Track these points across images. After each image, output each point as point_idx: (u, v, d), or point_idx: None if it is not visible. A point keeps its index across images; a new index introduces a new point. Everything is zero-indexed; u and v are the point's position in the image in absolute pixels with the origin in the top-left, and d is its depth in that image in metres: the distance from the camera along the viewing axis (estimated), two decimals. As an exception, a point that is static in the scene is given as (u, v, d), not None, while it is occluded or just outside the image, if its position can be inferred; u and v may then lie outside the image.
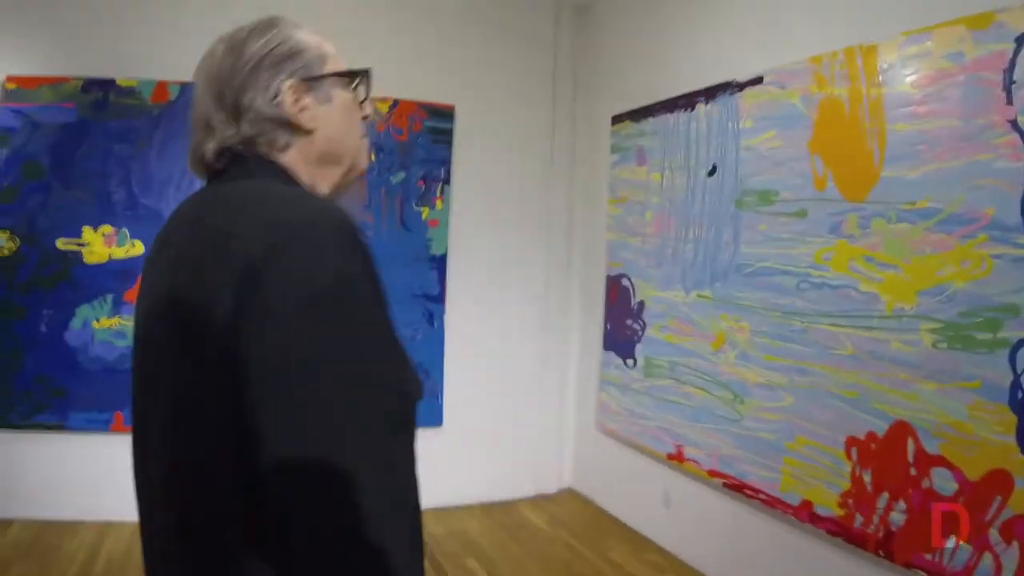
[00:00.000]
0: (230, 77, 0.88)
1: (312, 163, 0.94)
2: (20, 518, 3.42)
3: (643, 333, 3.67)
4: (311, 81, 0.92)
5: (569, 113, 4.33)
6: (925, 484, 2.22)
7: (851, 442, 2.48)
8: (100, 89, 3.44)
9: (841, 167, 2.55)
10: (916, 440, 2.25)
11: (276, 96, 0.88)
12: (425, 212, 3.90)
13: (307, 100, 0.91)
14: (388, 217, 3.84)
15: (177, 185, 3.52)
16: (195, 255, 0.79)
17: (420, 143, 3.87)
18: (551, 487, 4.33)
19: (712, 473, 3.13)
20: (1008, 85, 2.02)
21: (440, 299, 3.97)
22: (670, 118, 3.48)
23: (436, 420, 3.99)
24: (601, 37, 4.20)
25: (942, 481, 2.17)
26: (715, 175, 3.15)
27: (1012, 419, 1.99)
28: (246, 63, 0.88)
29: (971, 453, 2.10)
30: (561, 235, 4.29)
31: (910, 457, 2.27)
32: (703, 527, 3.26)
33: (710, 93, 3.19)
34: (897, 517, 2.30)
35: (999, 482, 2.01)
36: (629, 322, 3.79)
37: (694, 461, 3.26)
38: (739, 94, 3.01)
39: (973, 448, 2.09)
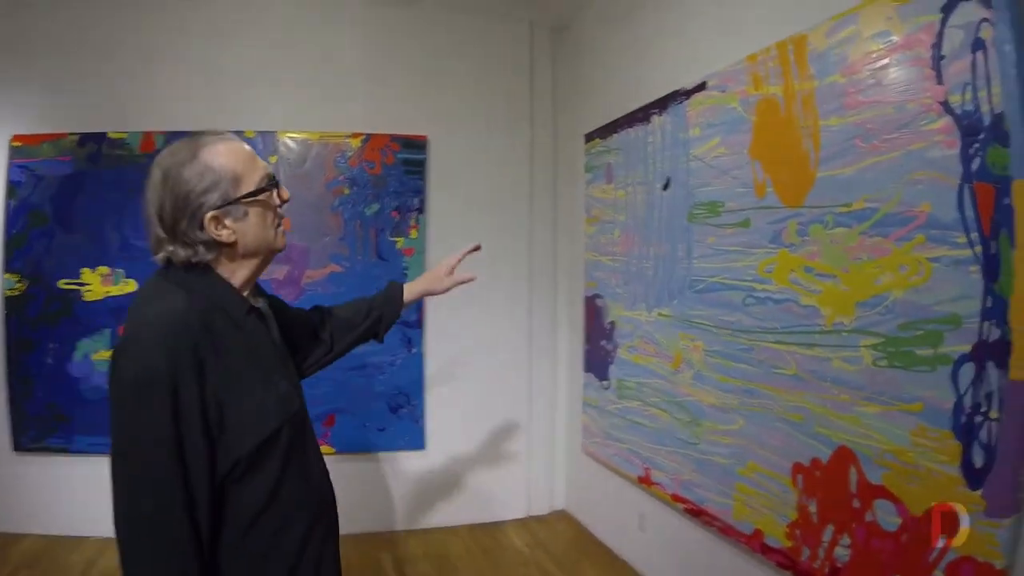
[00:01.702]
0: (164, 206, 1.09)
1: (235, 261, 1.16)
2: (33, 533, 3.40)
3: (615, 354, 3.27)
4: (228, 206, 1.11)
5: (549, 134, 3.97)
6: (868, 517, 1.76)
7: (797, 469, 2.04)
8: (94, 142, 3.44)
9: (779, 171, 2.13)
10: (859, 468, 1.81)
11: (201, 226, 1.09)
12: (400, 242, 3.64)
13: (226, 222, 1.11)
14: (363, 248, 3.60)
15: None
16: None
17: (393, 175, 3.62)
18: (543, 509, 3.93)
19: (675, 498, 2.70)
20: (937, 62, 1.60)
21: (418, 324, 3.69)
22: (631, 132, 3.10)
23: (417, 444, 3.69)
24: (577, 56, 3.84)
25: (885, 515, 1.72)
26: (669, 188, 2.75)
27: (956, 447, 1.54)
28: (176, 197, 1.08)
29: (914, 484, 1.64)
30: (543, 257, 3.91)
31: (853, 487, 1.82)
32: (672, 553, 2.81)
33: (662, 104, 2.81)
34: (842, 552, 1.85)
35: (944, 519, 1.56)
36: (603, 343, 3.39)
37: (660, 485, 2.83)
38: (686, 102, 2.62)
39: (916, 479, 1.64)
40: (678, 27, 2.78)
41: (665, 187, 2.77)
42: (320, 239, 3.55)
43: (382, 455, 3.65)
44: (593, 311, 3.51)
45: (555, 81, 3.97)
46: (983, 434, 1.49)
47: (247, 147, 1.18)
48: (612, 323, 3.29)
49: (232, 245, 1.14)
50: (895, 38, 1.70)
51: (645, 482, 2.94)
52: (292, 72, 3.57)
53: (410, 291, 1.79)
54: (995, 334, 1.47)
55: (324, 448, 3.39)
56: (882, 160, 1.74)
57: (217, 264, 1.15)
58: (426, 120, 3.71)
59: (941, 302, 1.59)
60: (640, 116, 2.98)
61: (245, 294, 1.20)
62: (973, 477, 1.50)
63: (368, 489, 3.63)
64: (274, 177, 1.20)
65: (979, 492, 1.49)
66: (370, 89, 3.66)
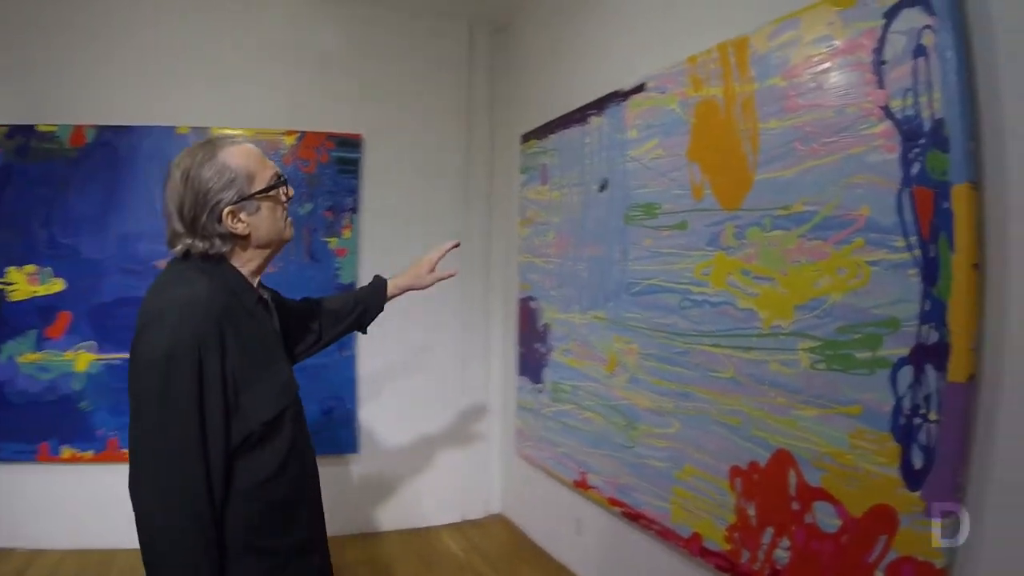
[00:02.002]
0: (185, 203, 1.16)
1: (247, 251, 1.25)
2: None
3: (549, 357, 3.19)
4: (243, 201, 1.19)
5: (485, 134, 3.85)
6: (808, 519, 1.73)
7: (735, 472, 1.99)
8: (22, 135, 3.16)
9: (717, 174, 2.09)
10: (797, 471, 1.77)
11: (219, 220, 1.18)
12: (333, 242, 3.46)
13: (241, 216, 1.20)
14: (296, 249, 3.39)
15: (94, 224, 3.22)
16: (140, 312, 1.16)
17: (327, 174, 3.44)
18: (478, 513, 3.80)
19: (612, 502, 2.63)
20: (878, 67, 1.57)
21: None
22: (568, 133, 3.02)
23: (350, 447, 3.52)
24: (517, 56, 3.74)
25: (824, 516, 1.68)
26: (605, 190, 2.69)
27: (895, 449, 1.52)
28: (196, 195, 1.16)
29: (853, 486, 1.61)
30: (478, 259, 3.79)
31: (792, 490, 1.78)
32: (610, 556, 2.75)
33: (600, 105, 2.74)
34: (781, 555, 1.81)
35: (883, 519, 1.53)
36: (538, 346, 3.30)
37: (596, 488, 2.75)
38: (624, 103, 2.56)
39: (855, 481, 1.61)
40: (619, 28, 2.72)
41: (601, 188, 2.70)
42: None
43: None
44: (527, 313, 3.42)
45: (493, 81, 3.86)
46: (922, 436, 1.47)
47: (257, 149, 1.27)
48: (546, 326, 3.21)
49: (246, 237, 1.22)
50: (837, 42, 1.67)
51: (581, 486, 2.86)
52: (227, 67, 3.37)
53: (394, 286, 1.87)
54: (933, 337, 1.45)
55: None
56: (821, 163, 1.71)
57: (231, 255, 1.23)
58: (362, 118, 3.55)
59: (880, 305, 1.56)
60: (577, 117, 2.91)
61: (256, 282, 1.29)
62: (912, 478, 1.48)
63: None
64: (282, 175, 1.29)
65: (918, 493, 1.46)
66: (306, 86, 3.47)
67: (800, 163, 1.77)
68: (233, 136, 1.31)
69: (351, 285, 3.46)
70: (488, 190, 3.85)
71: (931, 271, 1.45)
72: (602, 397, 2.71)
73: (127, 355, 1.14)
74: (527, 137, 3.46)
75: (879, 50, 1.57)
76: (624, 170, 2.56)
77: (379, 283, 1.86)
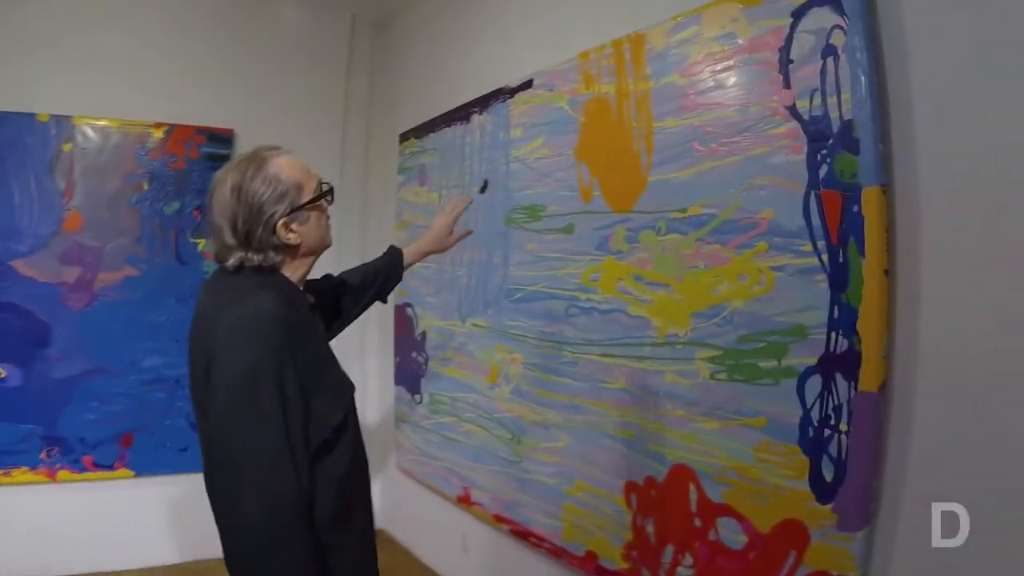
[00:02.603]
0: (238, 215, 1.13)
1: (296, 260, 1.21)
2: None
3: (427, 367, 2.90)
4: (295, 212, 1.17)
5: (363, 132, 3.54)
6: (711, 536, 1.57)
7: (630, 488, 1.81)
8: None
9: (608, 174, 1.91)
10: (698, 486, 1.61)
11: (273, 232, 1.14)
12: (201, 244, 3.06)
13: (293, 227, 1.17)
14: (162, 250, 3.00)
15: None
16: (202, 330, 1.14)
17: (197, 170, 3.05)
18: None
19: (498, 518, 2.38)
20: (785, 66, 1.44)
21: None
22: (448, 132, 2.76)
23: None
24: (400, 53, 3.43)
25: (729, 533, 1.53)
26: (486, 191, 2.45)
27: (804, 462, 1.38)
28: (249, 207, 1.13)
29: (760, 502, 1.46)
30: (352, 263, 3.38)
31: (693, 505, 1.62)
32: (500, 575, 2.50)
33: (484, 102, 2.50)
34: (685, 573, 1.64)
35: (792, 534, 1.39)
36: (415, 355, 3.00)
37: (481, 505, 2.50)
38: (510, 100, 2.34)
39: (761, 496, 1.46)
40: (509, 24, 2.49)
41: (482, 190, 2.46)
42: (115, 239, 2.93)
43: (185, 477, 2.95)
44: (403, 321, 3.11)
45: (374, 78, 3.56)
46: (832, 448, 1.33)
47: (301, 161, 1.22)
48: (423, 334, 2.92)
49: (296, 247, 1.18)
50: (740, 40, 1.53)
51: (465, 502, 2.59)
52: (93, 54, 2.91)
53: (415, 251, 1.77)
54: (843, 345, 1.32)
55: (122, 471, 2.88)
56: (721, 164, 1.56)
57: (282, 265, 1.19)
58: (235, 113, 3.17)
59: (785, 312, 1.42)
60: (459, 115, 2.65)
61: (301, 289, 1.24)
62: (823, 491, 1.34)
63: (173, 515, 3.00)
64: (326, 183, 1.25)
65: (829, 506, 1.33)
66: (177, 76, 3.08)
67: (698, 164, 1.62)
68: (276, 147, 1.21)
69: None
70: (365, 191, 3.53)
71: (840, 277, 1.33)
72: (484, 409, 2.45)
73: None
74: (406, 136, 3.16)
75: (786, 49, 1.44)
76: (507, 170, 2.33)
77: (394, 253, 1.75)
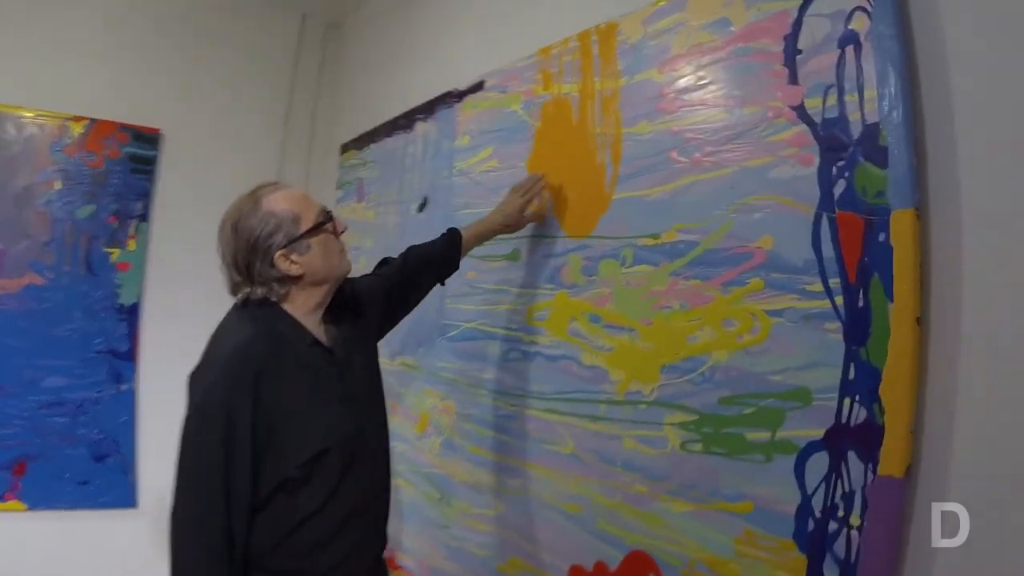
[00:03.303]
0: (238, 253, 1.20)
1: (305, 290, 1.25)
2: None
3: (344, 409, 2.49)
4: (293, 243, 1.20)
5: (304, 141, 3.23)
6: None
7: (576, 572, 1.43)
8: None
9: (564, 190, 1.59)
10: (658, 588, 1.24)
11: (273, 264, 1.20)
12: (115, 254, 2.78)
13: (293, 258, 1.21)
14: (72, 258, 2.70)
15: None
16: None
17: (117, 172, 2.77)
18: None
19: (408, 600, 1.96)
20: (791, 58, 1.14)
21: (130, 356, 2.80)
22: (389, 142, 2.44)
23: (128, 501, 2.77)
24: (349, 56, 3.13)
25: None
26: (425, 209, 2.11)
27: (800, 560, 1.03)
28: (248, 243, 1.19)
29: (739, 615, 1.10)
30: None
31: (650, 612, 1.25)
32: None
33: (430, 108, 2.18)
34: None
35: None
36: (332, 394, 2.60)
37: (406, 570, 2.07)
38: (457, 105, 2.02)
39: (742, 608, 1.10)
40: (464, 20, 2.19)
41: (420, 208, 2.12)
42: (20, 241, 2.61)
43: (84, 513, 2.73)
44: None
45: (320, 82, 3.27)
46: (839, 546, 0.99)
47: (300, 191, 1.28)
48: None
49: (301, 276, 1.22)
50: (735, 27, 1.24)
51: (389, 564, 2.15)
52: (8, 36, 2.61)
53: (478, 234, 1.66)
54: (860, 415, 0.99)
55: (13, 504, 2.60)
56: (706, 179, 1.25)
57: (288, 297, 1.24)
58: (164, 111, 2.87)
59: (783, 370, 1.09)
60: (403, 123, 2.33)
61: (318, 319, 1.28)
62: (825, 609, 0.99)
63: (68, 555, 2.64)
64: (329, 212, 1.29)
65: (833, 630, 0.97)
66: (104, 66, 2.79)
67: (676, 178, 1.30)
68: (275, 183, 1.27)
69: (133, 307, 2.80)
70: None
71: (859, 326, 1.01)
72: (412, 462, 2.08)
73: None
74: (347, 147, 2.83)
75: (792, 37, 1.15)
76: (448, 185, 2.00)
77: (453, 235, 1.64)
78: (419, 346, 2.06)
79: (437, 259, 1.62)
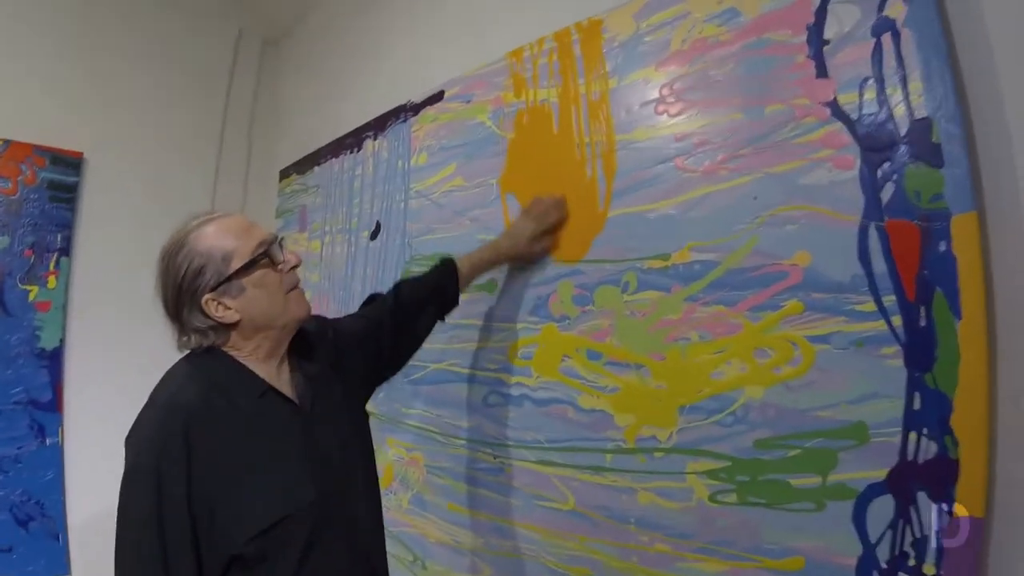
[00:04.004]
0: (168, 296, 1.05)
1: (249, 337, 1.07)
2: None
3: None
4: (223, 285, 1.02)
5: (241, 167, 3.03)
6: None
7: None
8: None
9: (549, 209, 1.44)
10: (691, 674, 1.08)
11: (203, 311, 1.03)
12: (33, 292, 2.54)
13: (225, 301, 1.03)
14: None
15: None
16: None
17: (34, 200, 2.54)
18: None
19: None
20: (818, 49, 1.04)
21: (54, 407, 2.54)
22: (334, 164, 2.25)
23: (59, 568, 2.48)
24: (289, 75, 2.96)
25: None
26: (378, 237, 1.93)
27: (865, 631, 0.89)
28: (174, 288, 1.03)
29: None
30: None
31: None
32: None
33: (381, 123, 2.02)
34: None
35: None
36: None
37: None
38: (413, 119, 1.86)
39: None
40: (419, 27, 2.04)
41: (374, 235, 1.94)
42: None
43: None
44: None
45: (257, 103, 3.10)
46: (914, 610, 0.86)
47: (241, 219, 1.09)
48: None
49: (238, 323, 1.05)
50: (745, 17, 1.13)
51: None
52: None
53: (480, 262, 1.45)
54: (929, 450, 0.87)
55: None
56: (722, 189, 1.12)
57: (232, 345, 1.07)
58: (87, 132, 2.63)
59: (832, 405, 0.96)
60: (350, 142, 2.16)
61: (275, 365, 1.11)
62: None
63: None
64: (273, 241, 1.09)
65: None
66: (20, 81, 2.54)
67: (686, 190, 1.18)
68: (211, 212, 1.08)
69: (56, 352, 2.54)
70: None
71: (922, 349, 0.89)
72: None
73: None
74: (286, 172, 2.63)
75: (817, 26, 1.04)
76: (404, 209, 1.83)
77: (447, 266, 1.43)
78: (379, 391, 1.86)
79: (433, 292, 1.41)
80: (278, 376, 1.10)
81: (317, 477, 1.06)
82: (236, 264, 1.04)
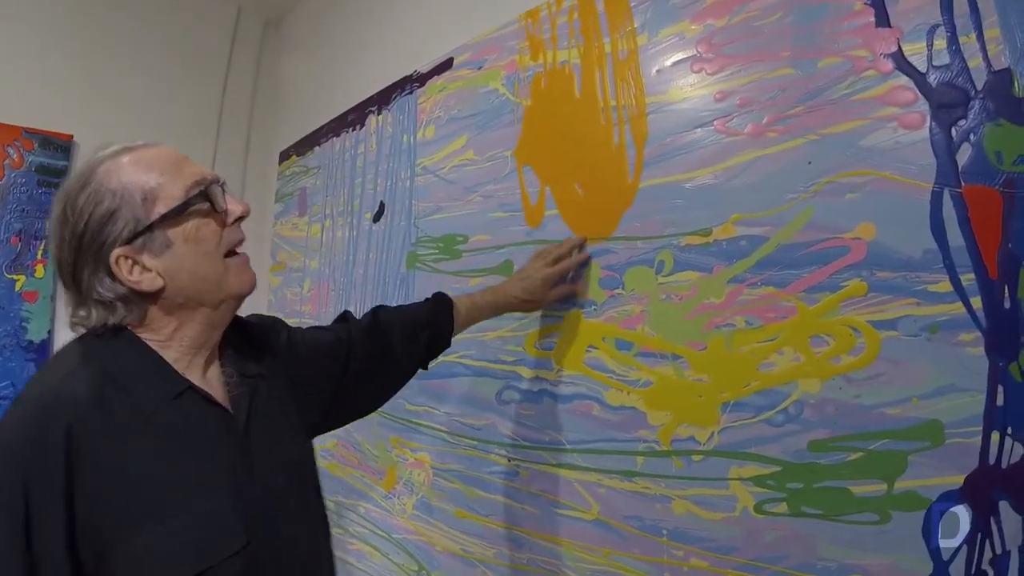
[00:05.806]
0: (62, 255, 0.81)
1: (174, 315, 0.84)
2: None
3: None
4: (140, 236, 0.79)
5: (240, 150, 3.04)
6: None
7: None
8: None
9: (569, 182, 1.39)
10: None
11: (110, 273, 0.79)
12: (20, 281, 2.56)
13: (143, 260, 0.80)
14: None
15: None
16: None
17: (21, 185, 2.57)
18: None
19: None
20: (880, -11, 0.97)
21: None
22: (335, 143, 2.21)
23: None
24: (288, 55, 2.97)
25: None
26: (382, 219, 1.88)
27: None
28: (73, 239, 0.79)
29: None
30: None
31: None
32: None
33: (385, 97, 1.96)
34: None
35: None
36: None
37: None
38: (419, 91, 1.81)
39: None
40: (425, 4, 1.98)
41: (377, 217, 1.89)
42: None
43: None
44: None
45: (257, 84, 3.12)
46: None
47: (172, 151, 0.84)
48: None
49: (160, 292, 0.81)
50: (793, -42, 1.06)
51: None
52: None
53: (482, 307, 1.31)
54: (1015, 453, 0.81)
55: None
56: (770, 154, 1.06)
57: (147, 325, 0.83)
58: (78, 114, 2.64)
59: (903, 401, 0.90)
60: (352, 119, 2.12)
61: (204, 359, 0.87)
62: None
63: None
64: (215, 181, 0.84)
65: None
66: (7, 62, 2.55)
67: (728, 156, 1.11)
68: (132, 143, 0.81)
69: (44, 345, 2.53)
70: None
71: (1006, 335, 0.83)
72: (380, 525, 1.86)
73: None
74: (286, 154, 2.61)
75: (878, -38, 0.97)
76: (410, 188, 1.78)
77: (441, 303, 1.27)
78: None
79: (420, 323, 1.23)
80: (203, 373, 0.88)
81: (251, 515, 0.82)
82: (161, 208, 0.80)
